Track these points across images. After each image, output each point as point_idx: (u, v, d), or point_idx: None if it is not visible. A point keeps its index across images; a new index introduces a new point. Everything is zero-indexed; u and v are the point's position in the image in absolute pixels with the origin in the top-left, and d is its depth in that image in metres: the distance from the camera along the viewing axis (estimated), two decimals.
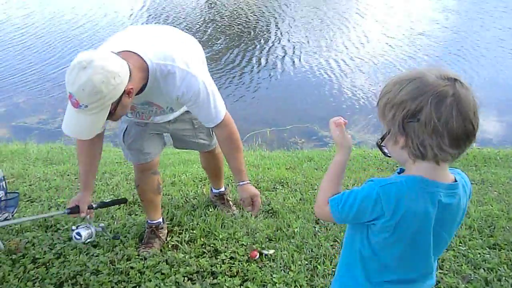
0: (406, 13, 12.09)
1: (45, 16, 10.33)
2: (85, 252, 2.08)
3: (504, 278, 1.96)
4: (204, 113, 1.73)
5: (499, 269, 2.02)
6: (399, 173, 1.01)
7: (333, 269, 2.00)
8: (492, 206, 2.78)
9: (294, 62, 8.32)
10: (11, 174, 3.16)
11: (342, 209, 0.99)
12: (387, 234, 0.96)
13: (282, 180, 3.10)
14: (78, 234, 1.73)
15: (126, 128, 1.97)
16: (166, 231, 2.25)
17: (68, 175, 3.20)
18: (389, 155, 0.99)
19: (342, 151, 1.07)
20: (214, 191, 2.61)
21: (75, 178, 3.12)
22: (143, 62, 1.52)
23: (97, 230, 1.79)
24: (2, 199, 2.07)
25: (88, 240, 1.78)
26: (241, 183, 1.84)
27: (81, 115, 1.43)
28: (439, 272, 2.00)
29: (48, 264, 2.00)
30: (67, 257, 2.04)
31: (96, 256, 2.05)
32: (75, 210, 1.75)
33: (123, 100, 1.46)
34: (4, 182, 2.18)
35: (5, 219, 2.08)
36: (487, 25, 11.07)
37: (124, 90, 1.43)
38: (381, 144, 0.97)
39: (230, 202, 2.60)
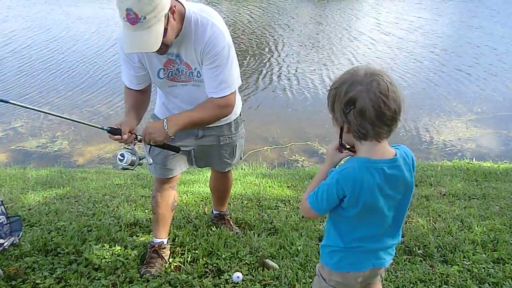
0: (405, 28, 12.36)
1: (44, 38, 10.49)
2: (86, 275, 2.05)
3: None
4: (215, 77, 1.75)
5: (504, 284, 2.01)
6: (350, 150, 1.23)
7: None
8: (494, 220, 2.78)
9: (292, 79, 8.44)
10: (9, 199, 3.15)
11: (317, 201, 1.22)
12: (352, 208, 1.20)
13: (283, 198, 3.09)
14: (122, 155, 1.72)
15: None
16: (168, 252, 2.23)
17: (68, 198, 3.19)
18: (347, 146, 1.22)
19: (327, 163, 1.28)
20: (215, 212, 2.61)
21: (75, 201, 3.10)
22: (182, 7, 1.69)
23: (139, 162, 1.77)
24: (5, 223, 2.05)
25: (128, 167, 1.75)
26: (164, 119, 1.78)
27: (140, 32, 1.54)
28: (444, 287, 1.98)
29: None
30: (68, 281, 2.01)
31: (98, 279, 2.02)
32: (116, 131, 1.74)
33: (170, 19, 1.60)
34: (2, 206, 2.17)
35: (12, 244, 2.07)
36: (487, 40, 11.30)
37: (170, 7, 1.58)
38: (342, 142, 1.20)
39: (231, 221, 2.59)
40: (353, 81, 1.10)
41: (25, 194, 3.30)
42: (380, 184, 1.17)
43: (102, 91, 7.65)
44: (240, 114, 2.15)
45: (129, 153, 1.75)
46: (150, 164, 1.91)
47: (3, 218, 2.08)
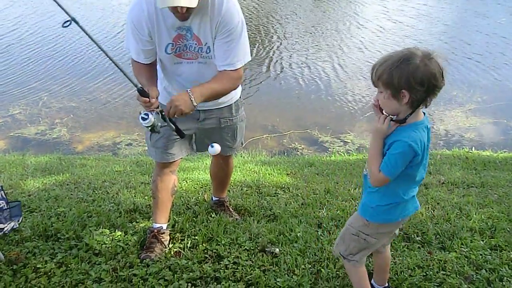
0: (407, 19, 12.23)
1: (42, 26, 10.37)
2: (87, 260, 2.06)
3: (505, 278, 1.97)
4: (229, 51, 1.81)
5: (500, 270, 2.03)
6: (401, 122, 1.45)
7: (337, 272, 2.00)
8: (492, 208, 2.79)
9: (292, 67, 8.39)
10: (9, 185, 3.15)
11: (392, 169, 1.42)
12: (417, 164, 1.46)
13: (283, 186, 3.10)
14: (146, 114, 1.72)
15: None
16: (168, 237, 2.24)
17: (67, 185, 3.19)
18: (394, 118, 1.45)
19: (379, 137, 1.46)
20: (215, 199, 2.61)
21: (75, 188, 3.11)
22: None
23: (158, 130, 1.78)
24: (5, 208, 2.05)
25: (150, 127, 1.74)
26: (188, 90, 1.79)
27: None
28: (442, 273, 2.01)
29: (49, 273, 1.97)
30: (69, 266, 2.02)
31: (98, 264, 2.03)
32: (145, 94, 1.75)
33: None
34: (2, 191, 2.17)
35: (12, 228, 2.07)
36: (485, 31, 11.21)
37: None
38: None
39: (230, 208, 2.60)
40: (418, 59, 1.33)
41: (25, 181, 3.30)
42: (427, 138, 1.45)
43: (104, 79, 7.59)
44: (240, 97, 2.16)
45: (152, 113, 1.74)
46: (152, 147, 1.94)
47: (3, 203, 2.08)
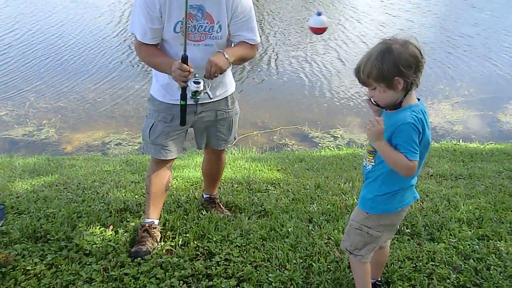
0: (401, 13, 12.31)
1: (29, 26, 10.20)
2: (77, 261, 2.05)
3: (492, 267, 2.01)
4: (252, 27, 1.99)
5: (488, 259, 2.07)
6: (396, 107, 1.49)
7: (329, 266, 2.02)
8: (479, 199, 2.84)
9: (281, 64, 8.40)
10: None
11: (416, 151, 1.43)
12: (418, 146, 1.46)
13: (273, 181, 3.11)
14: (198, 80, 1.82)
15: (153, 125, 2.08)
16: (159, 233, 2.23)
17: (56, 186, 3.16)
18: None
19: (381, 138, 1.47)
20: (205, 196, 2.61)
21: (64, 188, 3.08)
22: None
23: (206, 91, 1.87)
24: None
25: (202, 92, 1.85)
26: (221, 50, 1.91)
27: None
28: (431, 264, 2.04)
29: (39, 275, 1.95)
30: (59, 267, 2.00)
31: (89, 264, 2.02)
32: (186, 62, 1.81)
33: None
34: None
35: None
36: (472, 23, 11.34)
37: None
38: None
39: (221, 205, 2.61)
40: (397, 45, 1.40)
41: (13, 182, 3.26)
42: (425, 120, 1.47)
43: (92, 79, 7.51)
44: (235, 90, 2.22)
45: (202, 80, 1.83)
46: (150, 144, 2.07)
47: None
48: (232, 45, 2.06)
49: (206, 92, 1.89)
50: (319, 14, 2.17)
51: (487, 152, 4.13)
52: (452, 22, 11.66)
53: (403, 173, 1.48)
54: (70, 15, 10.96)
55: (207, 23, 1.89)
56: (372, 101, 1.51)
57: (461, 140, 5.11)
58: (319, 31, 2.23)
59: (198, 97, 1.87)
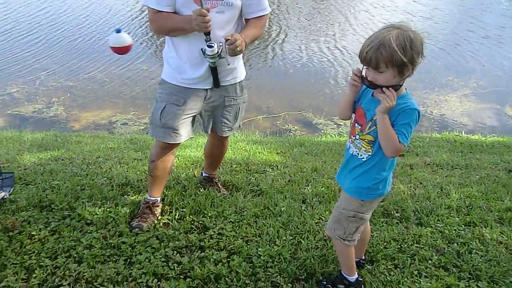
0: (403, 3, 12.12)
1: (40, 5, 10.30)
2: (79, 229, 2.17)
3: (474, 251, 2.08)
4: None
5: (471, 243, 2.14)
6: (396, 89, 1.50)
7: (317, 244, 2.11)
8: (472, 188, 2.89)
9: (287, 50, 8.38)
10: (6, 160, 3.23)
11: (409, 138, 1.49)
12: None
13: (272, 163, 3.19)
14: (211, 45, 1.86)
15: (164, 107, 2.09)
16: (160, 210, 2.34)
17: (62, 160, 3.28)
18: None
19: (385, 112, 1.48)
20: (204, 175, 2.70)
21: (70, 163, 3.20)
22: None
23: (222, 56, 1.93)
24: None
25: (216, 55, 1.89)
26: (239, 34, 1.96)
27: None
28: (416, 246, 2.12)
29: (43, 240, 2.08)
30: (62, 233, 2.12)
31: (90, 232, 2.14)
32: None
33: None
34: None
35: (2, 198, 2.17)
36: (475, 17, 11.13)
37: None
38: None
39: (219, 184, 2.70)
40: (414, 34, 1.42)
41: (21, 155, 3.39)
42: None
43: (102, 59, 7.60)
44: (244, 78, 2.25)
45: (215, 44, 1.87)
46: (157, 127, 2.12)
47: None
48: (243, 20, 2.09)
49: (224, 58, 1.94)
50: (118, 31, 1.95)
51: (487, 144, 4.15)
52: (479, 11, 11.43)
53: (389, 152, 1.51)
54: None
55: None
56: (367, 81, 1.49)
57: (463, 132, 5.12)
58: (120, 51, 1.98)
59: (215, 61, 1.93)
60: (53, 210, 2.35)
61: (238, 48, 1.88)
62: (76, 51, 7.84)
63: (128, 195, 2.56)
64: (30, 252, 1.98)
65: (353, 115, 1.64)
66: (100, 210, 2.33)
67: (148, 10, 1.99)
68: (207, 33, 1.87)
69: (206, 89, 2.09)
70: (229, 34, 1.94)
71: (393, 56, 1.38)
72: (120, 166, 3.06)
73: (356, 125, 1.62)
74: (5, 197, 2.15)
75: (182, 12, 1.96)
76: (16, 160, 3.24)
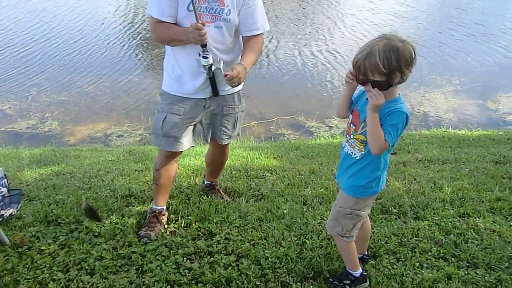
0: (390, 6, 12.38)
1: (31, 21, 10.25)
2: (88, 241, 2.21)
3: (470, 240, 2.19)
4: (259, 15, 2.08)
5: (466, 234, 2.25)
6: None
7: (321, 243, 2.19)
8: (463, 181, 3.01)
9: (278, 55, 8.51)
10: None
11: (394, 138, 1.57)
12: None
13: (270, 168, 3.27)
14: (205, 56, 1.93)
15: (165, 117, 2.16)
16: (166, 218, 2.40)
17: (63, 174, 3.31)
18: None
19: (375, 113, 1.57)
20: (206, 183, 2.77)
21: (71, 177, 3.23)
22: None
23: (218, 66, 1.99)
24: (6, 196, 2.18)
25: (210, 65, 1.95)
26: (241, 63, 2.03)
27: None
28: (415, 239, 2.21)
29: (54, 254, 2.12)
30: (71, 247, 2.16)
31: (99, 244, 2.18)
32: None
33: None
34: (5, 179, 2.29)
35: (10, 215, 2.20)
36: (466, 13, 11.42)
37: None
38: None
39: (220, 190, 2.77)
40: (402, 44, 1.50)
41: (21, 172, 3.41)
42: None
43: (92, 72, 7.62)
44: (242, 88, 2.31)
45: (210, 55, 1.94)
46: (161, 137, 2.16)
47: (4, 190, 2.21)
48: (241, 38, 2.15)
49: (219, 68, 2.00)
50: None
51: (474, 138, 4.30)
52: (458, 11, 11.72)
53: (375, 149, 1.59)
54: (74, 11, 11.02)
55: (218, 5, 2.00)
56: (359, 79, 1.57)
57: (450, 128, 5.28)
58: None
59: (211, 71, 2.00)
60: (60, 224, 2.39)
61: (235, 84, 1.96)
62: (68, 66, 7.85)
63: (133, 206, 2.61)
64: (41, 266, 2.02)
65: (351, 116, 1.74)
66: (107, 222, 2.38)
67: (150, 19, 2.07)
68: (203, 45, 1.95)
69: (205, 98, 2.17)
70: (229, 58, 2.06)
71: (376, 67, 1.49)
72: (122, 178, 3.11)
73: (351, 125, 1.72)
74: (13, 213, 2.18)
75: (182, 24, 2.03)
76: (17, 177, 3.26)
